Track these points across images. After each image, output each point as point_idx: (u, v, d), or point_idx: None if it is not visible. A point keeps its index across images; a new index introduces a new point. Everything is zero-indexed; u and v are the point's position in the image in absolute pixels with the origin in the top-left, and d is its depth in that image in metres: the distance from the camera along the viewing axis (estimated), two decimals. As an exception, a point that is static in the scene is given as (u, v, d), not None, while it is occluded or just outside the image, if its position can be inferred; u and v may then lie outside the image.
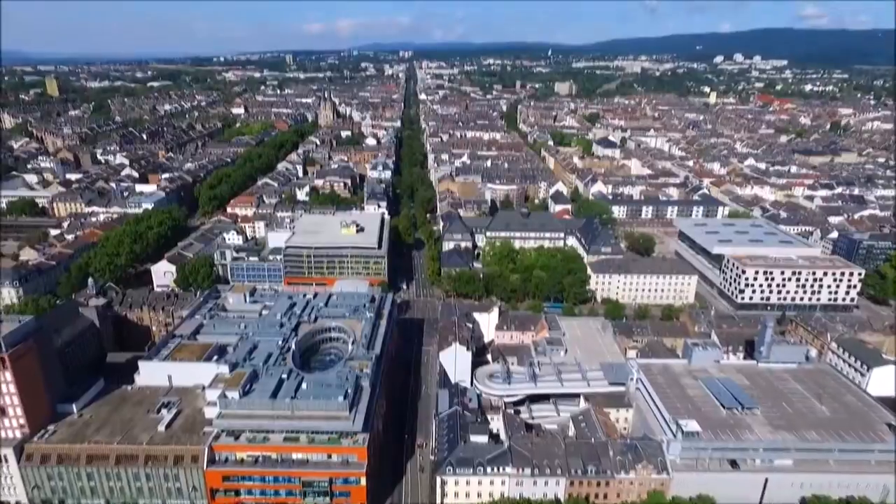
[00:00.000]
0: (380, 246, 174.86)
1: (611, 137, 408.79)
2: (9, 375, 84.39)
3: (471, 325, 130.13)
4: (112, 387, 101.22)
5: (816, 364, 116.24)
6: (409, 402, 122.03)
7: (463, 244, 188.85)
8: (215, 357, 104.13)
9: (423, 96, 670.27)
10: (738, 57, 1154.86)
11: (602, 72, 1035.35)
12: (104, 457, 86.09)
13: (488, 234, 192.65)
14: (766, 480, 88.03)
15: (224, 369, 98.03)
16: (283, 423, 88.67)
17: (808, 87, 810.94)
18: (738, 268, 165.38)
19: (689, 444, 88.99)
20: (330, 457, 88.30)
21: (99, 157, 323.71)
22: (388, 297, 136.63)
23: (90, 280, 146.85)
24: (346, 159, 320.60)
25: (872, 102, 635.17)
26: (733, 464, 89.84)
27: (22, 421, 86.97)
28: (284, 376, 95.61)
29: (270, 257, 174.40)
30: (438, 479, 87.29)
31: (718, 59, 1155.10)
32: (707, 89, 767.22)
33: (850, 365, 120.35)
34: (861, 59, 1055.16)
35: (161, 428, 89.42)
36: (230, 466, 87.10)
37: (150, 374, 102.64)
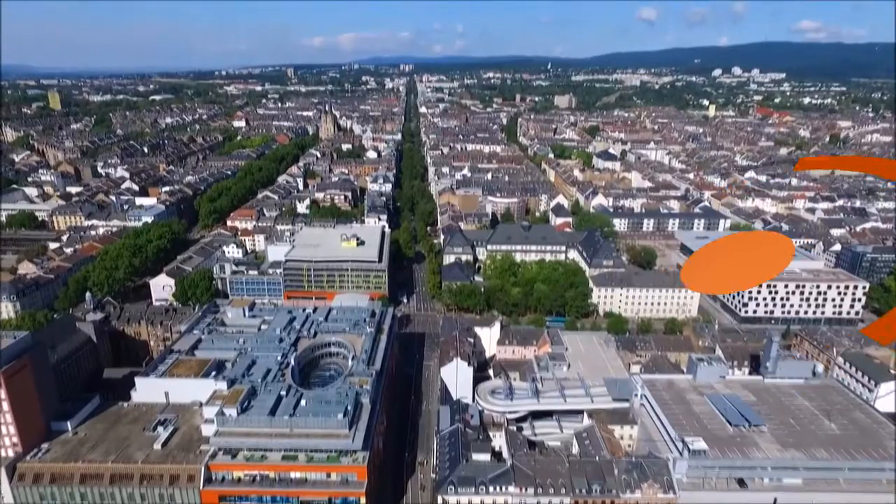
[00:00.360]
0: (380, 259, 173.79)
1: (611, 150, 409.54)
2: (2, 393, 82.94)
3: (472, 340, 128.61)
4: (108, 404, 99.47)
5: (823, 379, 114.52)
6: (409, 419, 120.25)
7: (464, 257, 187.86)
8: (213, 373, 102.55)
9: (423, 109, 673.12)
10: (737, 70, 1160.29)
11: (601, 85, 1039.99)
12: (98, 476, 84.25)
13: (489, 247, 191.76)
14: (776, 500, 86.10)
15: (222, 385, 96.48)
16: (281, 440, 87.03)
17: (806, 100, 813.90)
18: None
19: (695, 463, 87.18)
20: (329, 475, 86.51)
21: (100, 170, 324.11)
22: (389, 311, 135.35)
23: (88, 294, 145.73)
24: (346, 172, 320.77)
25: (871, 115, 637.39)
26: (741, 483, 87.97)
27: (15, 439, 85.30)
28: (283, 393, 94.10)
29: (270, 271, 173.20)
30: (440, 499, 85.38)
31: (717, 72, 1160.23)
32: (706, 102, 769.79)
33: (857, 380, 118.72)
34: (858, 72, 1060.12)
35: (157, 446, 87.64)
36: (227, 486, 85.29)
37: (147, 390, 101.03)
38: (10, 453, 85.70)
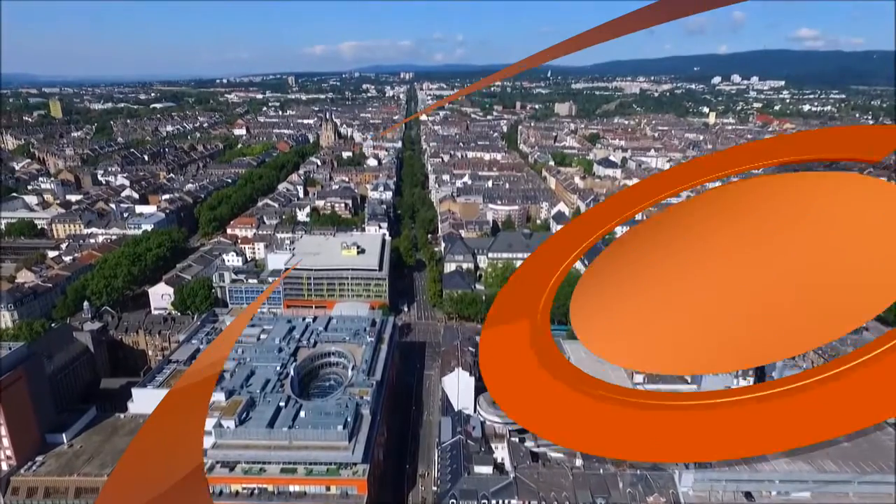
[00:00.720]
0: (381, 268, 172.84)
1: (611, 157, 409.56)
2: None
3: (473, 349, 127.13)
4: (104, 415, 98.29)
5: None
6: (410, 430, 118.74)
7: (465, 265, 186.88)
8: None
9: (423, 117, 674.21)
10: (736, 77, 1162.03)
11: (601, 92, 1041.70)
12: (94, 490, 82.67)
13: (490, 255, 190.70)
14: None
15: (220, 396, 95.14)
16: (280, 453, 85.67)
17: (806, 108, 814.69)
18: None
19: (702, 476, 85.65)
20: (328, 489, 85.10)
21: (100, 178, 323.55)
22: (389, 320, 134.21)
23: (86, 303, 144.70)
24: (347, 180, 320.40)
25: (871, 122, 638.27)
26: (748, 496, 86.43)
27: (9, 453, 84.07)
28: (282, 404, 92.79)
29: (270, 279, 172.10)
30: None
31: (716, 79, 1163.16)
32: (706, 109, 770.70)
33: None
34: (857, 80, 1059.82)
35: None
36: (224, 499, 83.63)
37: (144, 401, 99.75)
38: (4, 466, 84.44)
